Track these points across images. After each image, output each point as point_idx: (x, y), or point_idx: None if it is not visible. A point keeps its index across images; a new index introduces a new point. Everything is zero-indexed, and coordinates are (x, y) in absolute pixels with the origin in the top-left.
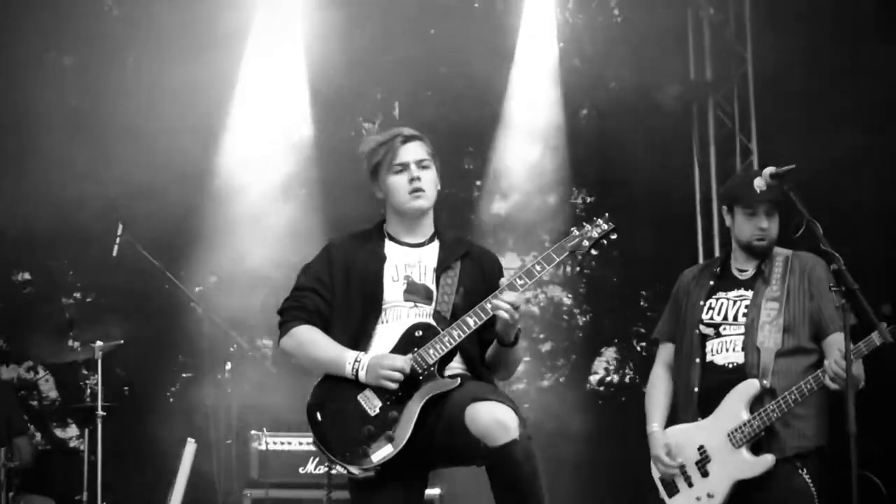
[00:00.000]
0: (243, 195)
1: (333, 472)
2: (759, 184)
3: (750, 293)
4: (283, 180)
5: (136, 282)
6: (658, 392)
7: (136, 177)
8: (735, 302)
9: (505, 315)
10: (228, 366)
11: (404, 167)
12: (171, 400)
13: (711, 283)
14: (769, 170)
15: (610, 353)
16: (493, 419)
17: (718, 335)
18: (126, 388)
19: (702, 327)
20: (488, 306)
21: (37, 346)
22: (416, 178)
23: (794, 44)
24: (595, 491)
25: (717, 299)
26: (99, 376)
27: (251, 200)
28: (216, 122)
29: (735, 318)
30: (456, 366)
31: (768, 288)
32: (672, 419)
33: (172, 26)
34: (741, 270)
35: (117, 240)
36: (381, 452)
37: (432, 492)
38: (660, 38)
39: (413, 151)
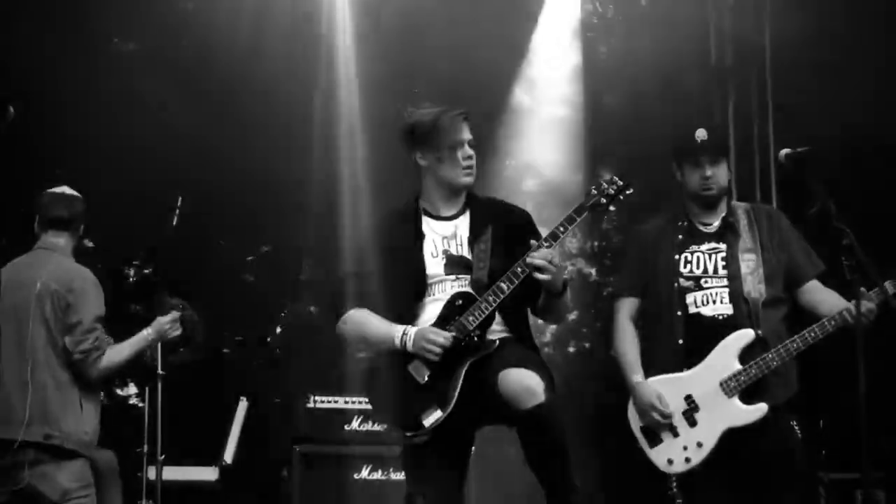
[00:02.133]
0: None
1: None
2: (699, 135)
3: (723, 245)
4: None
5: (191, 250)
6: (630, 344)
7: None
8: (710, 255)
9: (542, 270)
10: (278, 330)
11: (462, 144)
12: (222, 361)
13: (680, 236)
14: (785, 151)
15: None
16: (521, 385)
17: (700, 287)
18: (181, 349)
19: (681, 280)
20: (519, 269)
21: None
22: (470, 156)
23: (810, 31)
24: (622, 448)
25: (692, 252)
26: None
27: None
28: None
29: (715, 271)
30: (498, 328)
31: (741, 240)
32: (644, 373)
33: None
34: (705, 224)
35: (177, 210)
36: (432, 417)
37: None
38: (682, 26)
39: (468, 130)
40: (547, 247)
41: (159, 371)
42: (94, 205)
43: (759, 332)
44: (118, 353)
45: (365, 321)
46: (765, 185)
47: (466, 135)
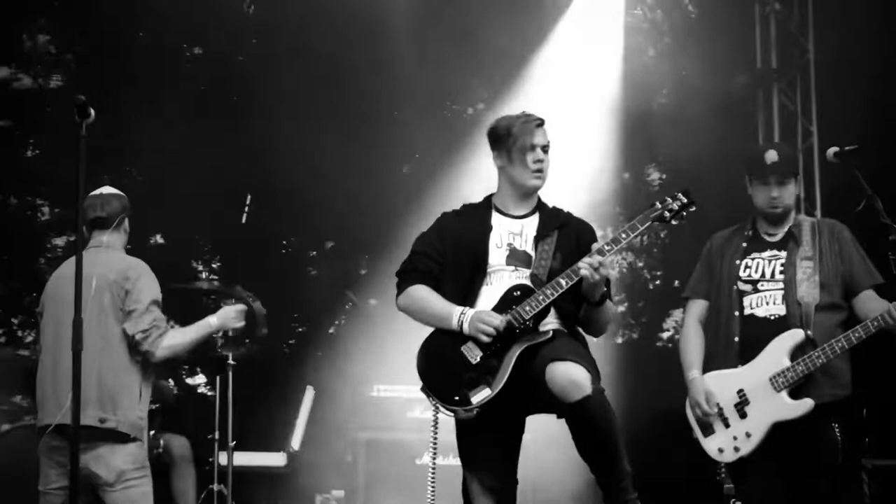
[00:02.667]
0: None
1: (445, 415)
2: (769, 157)
3: (783, 253)
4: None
5: (258, 245)
6: (693, 343)
7: (260, 152)
8: (770, 261)
9: (586, 273)
10: (343, 320)
11: (533, 148)
12: (287, 351)
13: (745, 244)
14: (833, 149)
15: (678, 314)
16: (567, 379)
17: (756, 290)
18: (247, 340)
19: (740, 284)
20: (576, 267)
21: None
22: (540, 160)
23: (852, 34)
24: (667, 435)
25: (753, 259)
26: (229, 332)
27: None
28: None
29: (772, 276)
30: (551, 321)
31: (801, 248)
32: (706, 369)
33: None
34: (769, 234)
35: (246, 208)
36: (480, 395)
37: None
38: (729, 31)
39: (543, 135)
40: (608, 250)
41: (230, 361)
42: (169, 202)
43: (809, 333)
44: (182, 334)
45: (426, 298)
46: (808, 181)
47: (539, 140)
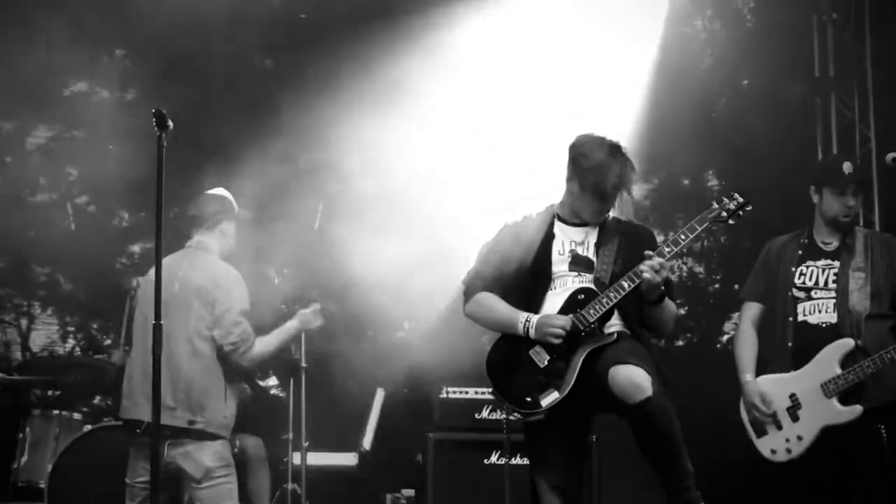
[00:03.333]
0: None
1: (512, 417)
2: (847, 167)
3: (837, 263)
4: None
5: (330, 251)
6: (747, 347)
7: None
8: (824, 270)
9: (647, 274)
10: (406, 325)
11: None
12: (358, 355)
13: (800, 252)
14: (892, 154)
15: (737, 317)
16: (629, 382)
17: (810, 298)
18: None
19: (794, 290)
20: (638, 269)
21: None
22: None
23: None
24: (729, 434)
25: (808, 266)
26: (302, 335)
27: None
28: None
29: (826, 284)
30: (615, 323)
31: (854, 259)
32: (760, 371)
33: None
34: (825, 243)
35: (318, 216)
36: (549, 398)
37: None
38: (786, 39)
39: (630, 167)
40: (668, 251)
41: (302, 364)
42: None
43: (860, 342)
44: (266, 344)
45: (492, 305)
46: (867, 189)
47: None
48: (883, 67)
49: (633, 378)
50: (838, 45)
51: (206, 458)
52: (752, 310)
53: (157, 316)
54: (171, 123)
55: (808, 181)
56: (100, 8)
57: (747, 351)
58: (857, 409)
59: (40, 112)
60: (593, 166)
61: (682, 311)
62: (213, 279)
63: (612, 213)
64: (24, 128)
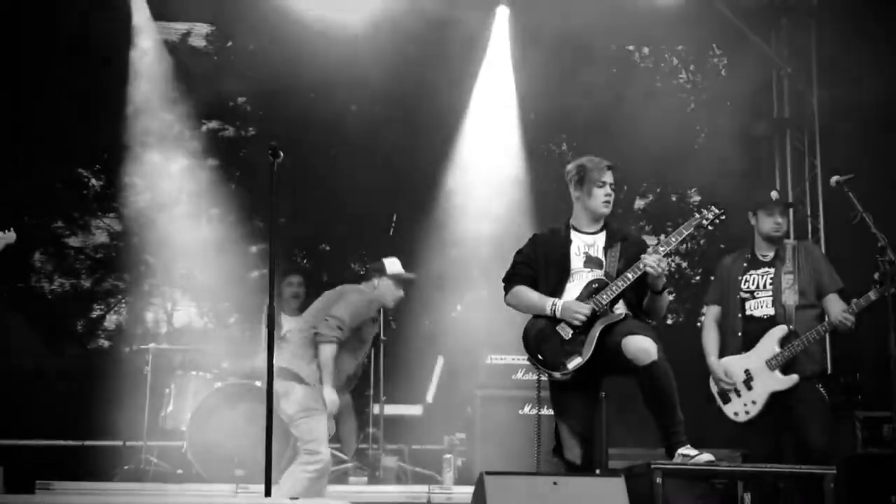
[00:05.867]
0: (468, 194)
1: (543, 378)
2: (774, 195)
3: (772, 270)
4: (499, 181)
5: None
6: (711, 339)
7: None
8: (763, 276)
9: (651, 269)
10: (458, 308)
11: (604, 184)
12: (421, 330)
13: (745, 264)
14: (835, 178)
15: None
16: (640, 348)
17: (754, 297)
18: (392, 320)
19: (742, 293)
20: (640, 264)
21: None
22: (609, 194)
23: (848, 91)
24: (709, 406)
25: (751, 275)
26: (381, 314)
27: (474, 197)
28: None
29: (765, 286)
30: (620, 306)
31: (784, 265)
32: (720, 355)
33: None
34: (763, 255)
35: (393, 224)
36: (574, 361)
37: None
38: (753, 89)
39: (611, 176)
40: (663, 250)
41: (382, 337)
42: (342, 219)
43: (792, 327)
44: (328, 355)
45: (526, 294)
46: (814, 203)
47: (608, 179)
48: (827, 112)
49: (642, 345)
50: (792, 94)
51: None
52: (712, 310)
53: (271, 300)
54: (281, 154)
55: (746, 210)
56: (225, 63)
57: (711, 341)
58: (794, 377)
59: (182, 144)
60: (579, 167)
61: (671, 297)
62: (339, 292)
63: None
64: (169, 157)
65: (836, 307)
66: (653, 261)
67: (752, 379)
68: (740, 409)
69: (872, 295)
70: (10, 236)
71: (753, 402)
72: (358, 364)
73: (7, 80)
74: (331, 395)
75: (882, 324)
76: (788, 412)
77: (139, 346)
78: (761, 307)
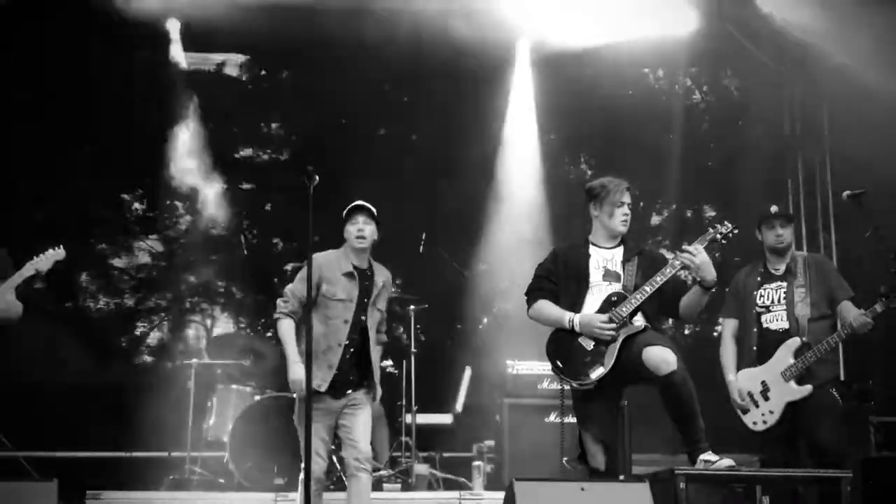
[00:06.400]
0: (507, 207)
1: (566, 388)
2: (773, 209)
3: (785, 283)
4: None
5: (433, 266)
6: (728, 355)
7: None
8: (776, 290)
9: (687, 259)
10: (485, 320)
11: (622, 204)
12: (450, 343)
13: (759, 279)
14: (846, 192)
15: None
16: (660, 358)
17: (769, 311)
18: (422, 335)
19: (757, 308)
20: (658, 278)
21: None
22: (627, 213)
23: (854, 107)
24: (727, 412)
25: (765, 289)
26: (411, 328)
27: (510, 211)
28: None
29: (779, 301)
30: (639, 319)
31: (796, 279)
32: (739, 365)
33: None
34: (775, 269)
35: (422, 240)
36: (596, 372)
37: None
38: (763, 109)
39: (628, 196)
40: (683, 256)
41: (412, 350)
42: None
43: (805, 339)
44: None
45: (547, 309)
46: (825, 217)
47: (626, 199)
48: (836, 129)
49: (662, 355)
50: (803, 112)
51: None
52: (730, 324)
53: (309, 314)
54: (316, 178)
55: (755, 226)
56: (258, 92)
57: (728, 357)
58: (807, 388)
59: (220, 170)
60: (604, 188)
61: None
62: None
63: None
64: (207, 181)
65: (851, 312)
66: (691, 250)
67: (768, 390)
68: (758, 418)
69: (879, 307)
70: (59, 253)
71: (771, 412)
72: (334, 329)
73: (56, 115)
74: (294, 374)
75: (892, 334)
76: (802, 418)
77: (182, 361)
78: (776, 321)
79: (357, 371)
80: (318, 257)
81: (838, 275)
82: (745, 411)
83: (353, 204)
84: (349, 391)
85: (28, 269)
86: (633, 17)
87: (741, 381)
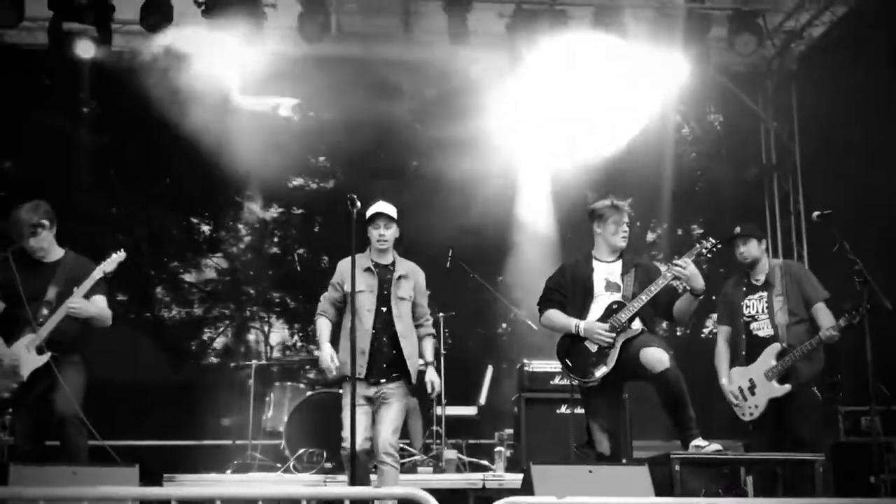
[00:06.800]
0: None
1: (575, 383)
2: (736, 230)
3: (765, 293)
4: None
5: (457, 281)
6: (723, 360)
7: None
8: (759, 299)
9: (679, 270)
10: (503, 325)
11: (620, 223)
12: (472, 344)
13: (744, 289)
14: (816, 213)
15: (714, 317)
16: (655, 358)
17: (755, 320)
18: (450, 339)
19: (745, 317)
20: (652, 288)
21: None
22: (626, 231)
23: (824, 139)
24: (714, 403)
25: (750, 300)
26: (441, 332)
27: (525, 231)
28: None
29: (763, 311)
30: (636, 323)
31: (774, 288)
32: (731, 365)
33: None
34: (756, 279)
35: (449, 258)
36: (601, 370)
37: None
38: (743, 140)
39: (627, 216)
40: (674, 269)
41: (442, 351)
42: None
43: (785, 343)
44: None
45: (557, 317)
46: (798, 235)
47: (625, 218)
48: (806, 158)
49: (657, 355)
50: (778, 144)
51: None
52: (723, 331)
53: (353, 320)
54: (359, 204)
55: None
56: (308, 129)
57: (723, 362)
58: (786, 387)
59: (274, 196)
60: (601, 208)
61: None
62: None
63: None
64: (265, 207)
65: (824, 317)
66: (681, 263)
67: (754, 387)
68: (746, 410)
69: (843, 322)
70: (120, 255)
71: (756, 406)
72: (362, 319)
73: (136, 154)
74: (322, 359)
75: (857, 334)
76: (785, 413)
77: (243, 362)
78: (763, 329)
79: (389, 357)
80: (343, 262)
81: (809, 279)
82: (737, 405)
83: (374, 210)
84: (383, 380)
85: (97, 273)
86: (632, 79)
87: (734, 376)
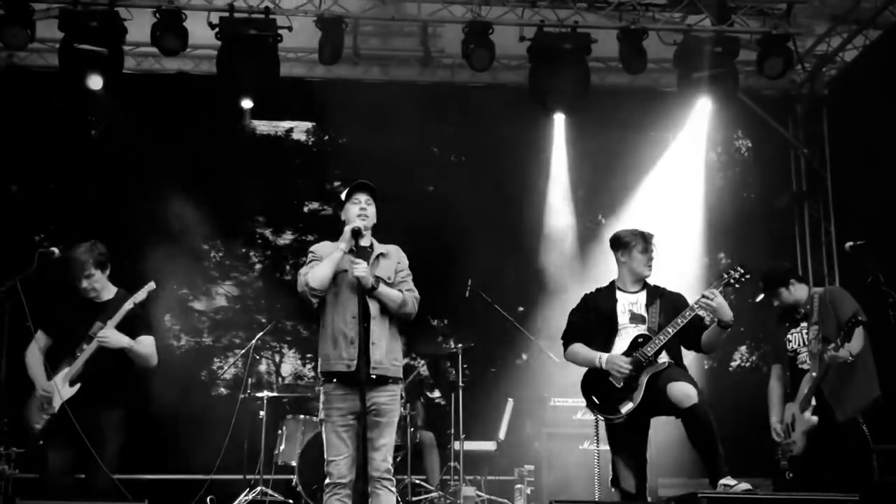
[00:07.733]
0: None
1: (599, 419)
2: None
3: (804, 324)
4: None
5: (476, 310)
6: (774, 399)
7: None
8: (800, 332)
9: (706, 301)
10: (524, 356)
11: (645, 251)
12: (492, 377)
13: (787, 324)
14: (848, 244)
15: (742, 350)
16: (683, 393)
17: (797, 354)
18: (468, 371)
19: (789, 353)
20: (679, 319)
21: (422, 345)
22: (651, 259)
23: (855, 170)
24: (743, 440)
25: (792, 334)
26: (459, 364)
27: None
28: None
29: (803, 343)
30: (663, 356)
31: (812, 318)
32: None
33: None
34: (798, 313)
35: (468, 287)
36: (626, 407)
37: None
38: (773, 167)
39: (655, 243)
40: (702, 301)
41: (459, 384)
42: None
43: (815, 373)
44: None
45: (580, 351)
46: (830, 265)
47: (653, 246)
48: (837, 186)
49: (685, 390)
50: (809, 171)
51: None
52: (774, 369)
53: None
54: (364, 234)
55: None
56: (323, 154)
57: (773, 399)
58: (814, 418)
59: (288, 221)
60: (631, 238)
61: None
62: None
63: (650, 281)
64: (277, 232)
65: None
66: (708, 294)
67: (795, 421)
68: (793, 445)
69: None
70: (150, 286)
71: (794, 442)
72: (346, 305)
73: (147, 174)
74: (356, 272)
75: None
76: (821, 448)
77: (254, 393)
78: (806, 362)
79: (372, 348)
80: (317, 247)
81: (843, 300)
82: (780, 443)
83: (355, 182)
84: (375, 388)
85: (128, 304)
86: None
87: (786, 412)
